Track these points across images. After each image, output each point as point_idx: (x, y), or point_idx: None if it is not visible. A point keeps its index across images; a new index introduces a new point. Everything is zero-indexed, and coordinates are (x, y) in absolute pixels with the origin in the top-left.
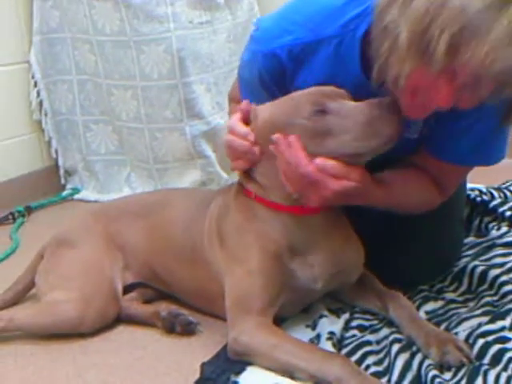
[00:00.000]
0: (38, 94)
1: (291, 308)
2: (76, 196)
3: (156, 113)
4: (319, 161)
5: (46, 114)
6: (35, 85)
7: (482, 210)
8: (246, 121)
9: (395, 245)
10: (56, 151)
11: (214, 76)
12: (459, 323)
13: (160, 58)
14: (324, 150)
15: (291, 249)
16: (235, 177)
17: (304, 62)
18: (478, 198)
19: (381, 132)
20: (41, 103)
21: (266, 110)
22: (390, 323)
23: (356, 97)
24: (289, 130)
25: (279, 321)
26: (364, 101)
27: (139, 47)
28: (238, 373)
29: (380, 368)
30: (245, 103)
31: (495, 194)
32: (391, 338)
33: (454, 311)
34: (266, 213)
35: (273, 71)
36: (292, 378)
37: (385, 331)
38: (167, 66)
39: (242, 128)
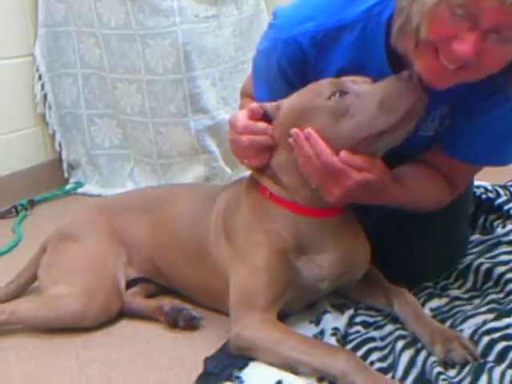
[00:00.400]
0: (43, 87)
1: (295, 305)
2: (79, 190)
3: (160, 107)
4: (343, 154)
5: (50, 108)
6: (40, 78)
7: (488, 208)
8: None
9: (401, 241)
10: (60, 145)
11: (219, 71)
12: (464, 320)
13: (165, 52)
14: (343, 133)
15: (299, 248)
16: (239, 172)
17: (327, 48)
18: (484, 196)
19: (398, 105)
20: (45, 96)
21: (288, 102)
22: (395, 320)
23: None
24: (311, 115)
25: (283, 317)
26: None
27: (144, 41)
28: (241, 368)
29: (384, 364)
30: (256, 104)
31: (501, 191)
32: (396, 334)
33: (459, 308)
34: (279, 212)
35: (293, 59)
36: (295, 373)
37: (389, 327)
38: (172, 60)
39: (261, 124)
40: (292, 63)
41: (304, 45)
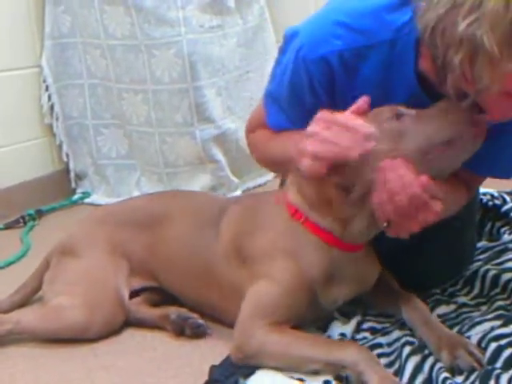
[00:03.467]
0: (50, 97)
1: (304, 322)
2: (86, 200)
3: (166, 117)
4: (425, 179)
5: (57, 118)
6: (47, 89)
7: (494, 215)
8: None
9: (408, 248)
10: (67, 155)
11: (224, 80)
12: (472, 327)
13: (171, 61)
14: (408, 151)
15: (325, 279)
16: (246, 181)
17: (354, 69)
18: (490, 203)
19: (459, 118)
20: (52, 107)
21: None
22: (402, 326)
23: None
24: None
25: None
26: None
27: (150, 51)
28: (247, 376)
29: (391, 370)
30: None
31: (507, 198)
32: (403, 340)
33: (467, 315)
34: (313, 240)
35: (323, 78)
36: (304, 374)
37: (396, 334)
38: (178, 69)
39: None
40: (322, 83)
41: (333, 63)
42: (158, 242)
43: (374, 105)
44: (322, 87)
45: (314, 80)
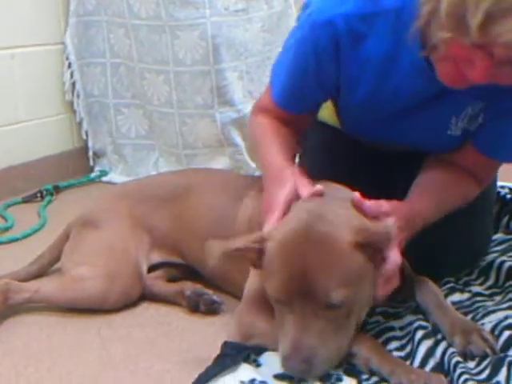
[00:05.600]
0: (72, 75)
1: None
2: (104, 178)
3: (187, 98)
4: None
5: (78, 96)
6: (69, 66)
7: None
8: None
9: (424, 237)
10: (86, 133)
11: (246, 64)
12: (485, 315)
13: (194, 43)
14: None
15: None
16: None
17: (361, 36)
18: (508, 196)
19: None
20: (74, 85)
21: None
22: (415, 311)
23: (415, 86)
24: None
25: None
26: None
27: (174, 32)
28: (259, 353)
29: (402, 353)
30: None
31: None
32: (415, 324)
33: (481, 304)
34: None
35: (329, 44)
36: None
37: (409, 318)
38: (201, 52)
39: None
40: (327, 49)
41: (339, 28)
42: (181, 215)
43: (378, 80)
44: (327, 54)
45: (320, 47)
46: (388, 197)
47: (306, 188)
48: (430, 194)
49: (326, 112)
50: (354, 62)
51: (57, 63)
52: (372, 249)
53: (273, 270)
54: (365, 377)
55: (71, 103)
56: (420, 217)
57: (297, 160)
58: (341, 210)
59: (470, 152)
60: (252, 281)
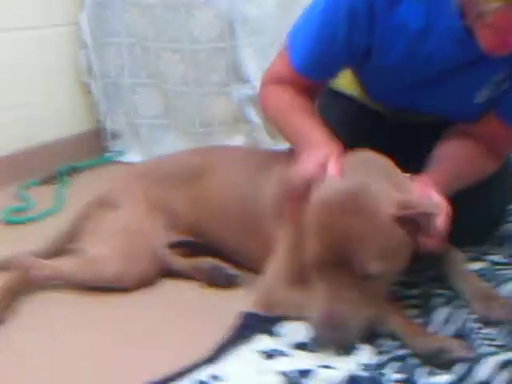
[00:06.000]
0: (87, 56)
1: None
2: (120, 158)
3: (203, 76)
4: None
5: (94, 76)
6: (84, 47)
7: None
8: None
9: None
10: (103, 114)
11: (261, 41)
12: (504, 282)
13: (209, 21)
14: None
15: None
16: (279, 142)
17: (394, 2)
18: None
19: None
20: (89, 65)
21: None
22: (433, 280)
23: (449, 53)
24: None
25: None
26: None
27: (189, 10)
28: (279, 323)
29: (420, 320)
30: None
31: None
32: (433, 292)
33: (499, 272)
34: None
35: (364, 7)
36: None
37: (427, 287)
38: (216, 29)
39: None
40: (362, 11)
41: None
42: (199, 195)
43: (411, 45)
44: (362, 18)
45: (354, 10)
46: (408, 170)
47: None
48: (450, 169)
49: (344, 81)
50: (389, 26)
51: (72, 44)
52: (412, 224)
53: (312, 233)
54: (381, 342)
55: (87, 84)
56: (439, 191)
57: None
58: (384, 182)
59: (492, 122)
60: (279, 252)
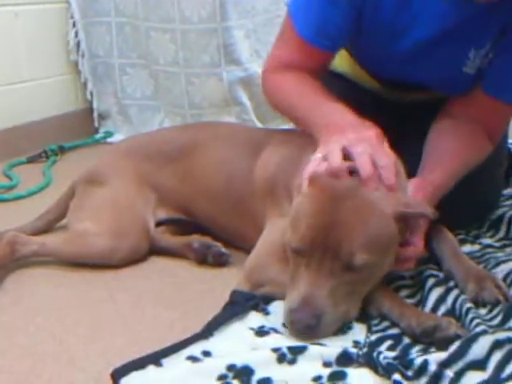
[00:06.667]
0: (76, 34)
1: None
2: (109, 139)
3: (194, 57)
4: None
5: (82, 56)
6: (74, 25)
7: None
8: None
9: None
10: (91, 93)
11: (253, 22)
12: (497, 265)
13: (201, 0)
14: None
15: None
16: (269, 126)
17: None
18: None
19: None
20: (78, 44)
21: None
22: (427, 261)
23: (438, 11)
24: None
25: None
26: None
27: None
28: (268, 302)
29: (413, 300)
30: None
31: None
32: (426, 273)
33: (491, 255)
34: None
35: None
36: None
37: (420, 267)
38: (207, 9)
39: None
40: None
41: None
42: (188, 172)
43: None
44: None
45: None
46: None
47: None
48: (447, 165)
49: (340, 62)
50: None
51: (61, 22)
52: (405, 223)
53: (303, 215)
54: (375, 322)
55: (76, 63)
56: (440, 191)
57: None
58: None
59: (480, 97)
60: (269, 232)
